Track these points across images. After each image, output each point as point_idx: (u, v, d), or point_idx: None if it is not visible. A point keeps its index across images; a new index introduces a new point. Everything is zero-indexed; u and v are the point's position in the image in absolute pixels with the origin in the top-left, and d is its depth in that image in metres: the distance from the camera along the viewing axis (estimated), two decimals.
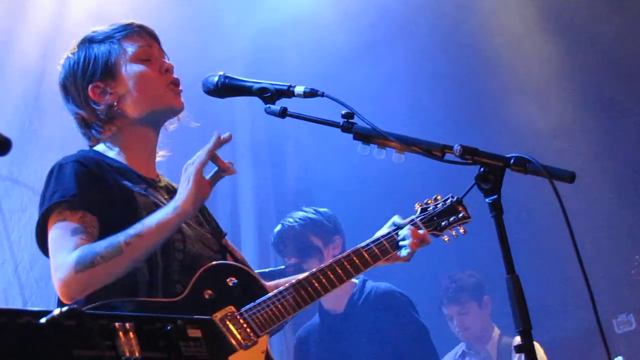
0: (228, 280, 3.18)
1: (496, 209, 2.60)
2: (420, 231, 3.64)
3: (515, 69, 7.88)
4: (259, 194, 7.77)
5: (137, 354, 1.89)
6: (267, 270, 5.42)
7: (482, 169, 2.64)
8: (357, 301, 5.36)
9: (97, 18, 6.12)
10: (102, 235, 3.08)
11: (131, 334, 1.90)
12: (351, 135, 2.91)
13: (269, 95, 3.05)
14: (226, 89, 3.14)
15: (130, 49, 3.36)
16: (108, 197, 3.14)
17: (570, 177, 2.63)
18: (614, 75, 7.74)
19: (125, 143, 3.36)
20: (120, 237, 2.97)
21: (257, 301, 3.17)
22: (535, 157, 2.65)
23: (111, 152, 3.35)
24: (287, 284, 3.30)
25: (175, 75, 3.40)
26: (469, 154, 2.68)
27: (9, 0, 6.32)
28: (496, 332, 6.91)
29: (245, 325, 3.09)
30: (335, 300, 5.39)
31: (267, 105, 3.05)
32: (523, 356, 2.57)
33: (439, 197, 3.81)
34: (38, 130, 6.14)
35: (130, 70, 3.34)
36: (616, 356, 5.52)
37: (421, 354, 5.26)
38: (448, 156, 2.75)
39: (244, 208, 7.63)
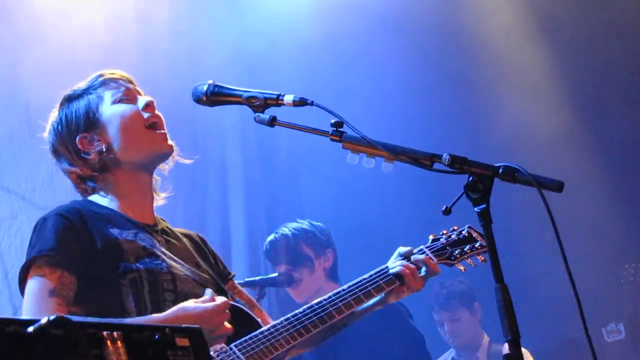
0: None
1: (485, 218, 2.61)
2: (430, 260, 3.64)
3: (509, 73, 7.88)
4: (249, 204, 7.76)
5: None
6: (257, 278, 5.43)
7: (471, 178, 2.65)
8: None
9: (87, 35, 6.13)
10: (87, 286, 3.13)
11: (119, 343, 1.90)
12: (340, 145, 2.91)
13: (258, 104, 3.05)
14: (215, 97, 3.14)
15: (108, 93, 3.40)
16: (90, 247, 3.17)
17: (558, 187, 2.63)
18: (608, 80, 7.76)
19: (117, 189, 3.38)
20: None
21: (249, 336, 3.18)
22: (526, 165, 2.65)
23: (104, 199, 3.37)
24: (281, 318, 3.32)
25: (158, 112, 3.42)
26: (458, 163, 2.68)
27: None
28: (486, 339, 6.93)
29: None
30: None
31: (256, 114, 3.05)
32: None
33: (455, 228, 3.81)
34: (28, 138, 6.12)
35: (110, 113, 3.37)
36: None
37: None
38: (437, 165, 2.76)
39: (234, 219, 7.61)
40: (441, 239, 3.77)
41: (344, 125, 2.88)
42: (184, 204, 6.73)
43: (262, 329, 3.23)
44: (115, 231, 3.23)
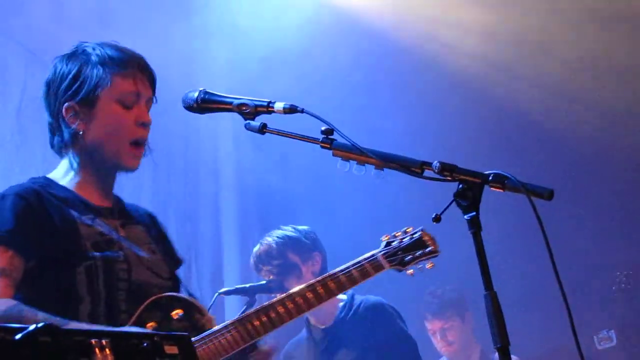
0: (174, 312, 3.15)
1: (474, 225, 2.60)
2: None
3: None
4: (242, 209, 7.76)
5: None
6: (247, 285, 5.41)
7: (460, 186, 2.65)
8: (347, 314, 5.37)
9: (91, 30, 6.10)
10: (42, 269, 3.09)
11: (107, 351, 1.89)
12: (331, 152, 2.91)
13: (248, 111, 3.04)
14: (206, 104, 3.13)
15: (118, 83, 3.26)
16: (48, 230, 3.12)
17: (548, 195, 2.63)
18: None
19: (80, 167, 3.29)
20: (15, 313, 2.93)
21: (200, 336, 3.15)
22: (515, 173, 2.65)
23: (66, 176, 3.31)
24: (233, 319, 3.28)
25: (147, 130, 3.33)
26: (448, 171, 2.68)
27: None
28: (478, 348, 6.93)
29: None
30: (323, 315, 5.40)
31: (247, 122, 3.04)
32: None
33: (409, 230, 3.76)
34: (19, 144, 6.11)
35: (107, 108, 3.25)
36: None
37: None
38: (427, 173, 2.76)
39: (226, 224, 7.61)
40: (394, 243, 3.71)
41: (334, 132, 2.88)
42: (175, 209, 6.72)
43: (214, 329, 3.18)
44: (74, 214, 3.18)
